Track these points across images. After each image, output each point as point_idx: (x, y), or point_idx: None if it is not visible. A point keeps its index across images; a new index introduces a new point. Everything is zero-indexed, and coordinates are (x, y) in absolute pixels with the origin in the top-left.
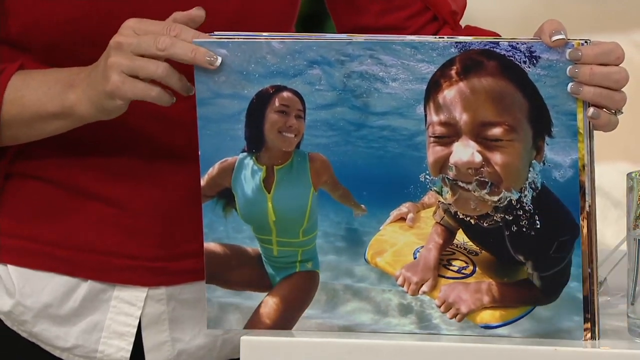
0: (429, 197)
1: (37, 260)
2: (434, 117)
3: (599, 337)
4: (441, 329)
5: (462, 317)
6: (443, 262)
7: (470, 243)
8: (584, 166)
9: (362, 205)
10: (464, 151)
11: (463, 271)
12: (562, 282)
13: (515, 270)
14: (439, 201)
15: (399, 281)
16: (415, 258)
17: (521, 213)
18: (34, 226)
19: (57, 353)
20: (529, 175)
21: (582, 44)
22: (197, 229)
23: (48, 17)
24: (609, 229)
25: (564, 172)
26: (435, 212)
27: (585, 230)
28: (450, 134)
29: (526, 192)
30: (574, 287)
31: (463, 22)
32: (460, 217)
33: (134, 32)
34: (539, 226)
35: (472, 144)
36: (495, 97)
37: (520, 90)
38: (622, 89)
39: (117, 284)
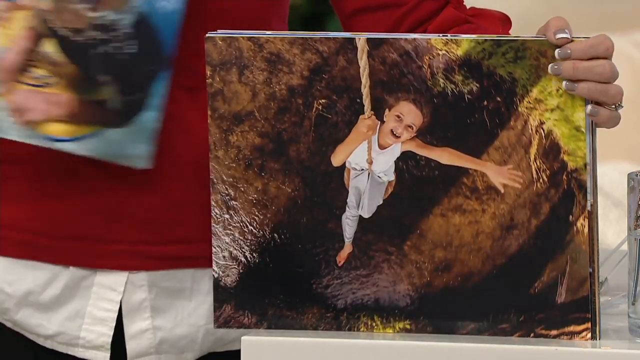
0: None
1: (19, 248)
2: None
3: (600, 337)
4: (9, 133)
5: (31, 124)
6: (25, 67)
7: (59, 54)
8: (585, 165)
9: None
10: None
11: (44, 80)
12: (139, 109)
13: (97, 90)
14: (36, 6)
15: None
16: None
17: (118, 35)
18: (14, 214)
19: (40, 341)
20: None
21: None
22: (182, 214)
23: None
24: (610, 229)
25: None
26: (29, 16)
27: (586, 230)
28: None
29: (127, 15)
30: (148, 116)
31: None
32: (55, 27)
33: None
34: (134, 52)
35: None
36: None
37: None
38: (618, 83)
39: (98, 270)
